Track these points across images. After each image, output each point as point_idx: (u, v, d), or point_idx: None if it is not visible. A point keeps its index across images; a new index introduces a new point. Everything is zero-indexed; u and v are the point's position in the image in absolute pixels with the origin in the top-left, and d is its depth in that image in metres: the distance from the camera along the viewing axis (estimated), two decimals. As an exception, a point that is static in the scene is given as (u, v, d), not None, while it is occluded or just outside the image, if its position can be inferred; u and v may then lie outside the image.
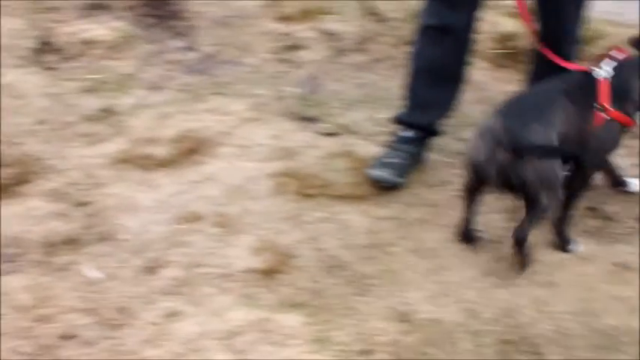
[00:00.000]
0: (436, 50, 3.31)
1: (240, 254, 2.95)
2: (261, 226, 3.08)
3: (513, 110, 3.01)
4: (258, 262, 2.91)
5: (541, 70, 3.40)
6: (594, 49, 4.01)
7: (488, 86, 4.12)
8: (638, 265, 3.05)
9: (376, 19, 4.55)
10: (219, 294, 2.79)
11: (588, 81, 3.06)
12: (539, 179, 2.87)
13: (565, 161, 3.00)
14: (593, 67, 3.09)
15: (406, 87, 3.43)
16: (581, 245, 3.13)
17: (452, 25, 3.26)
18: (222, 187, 3.26)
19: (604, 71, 3.05)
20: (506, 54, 4.40)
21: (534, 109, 2.99)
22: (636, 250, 3.14)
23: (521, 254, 3.00)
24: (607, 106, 3.00)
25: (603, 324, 2.79)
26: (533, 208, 2.93)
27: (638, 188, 3.47)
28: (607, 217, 3.33)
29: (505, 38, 4.45)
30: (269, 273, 2.88)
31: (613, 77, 3.06)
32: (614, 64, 3.10)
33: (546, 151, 2.90)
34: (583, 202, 3.33)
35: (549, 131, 2.93)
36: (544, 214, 2.99)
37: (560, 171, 2.95)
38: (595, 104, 3.01)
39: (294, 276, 2.88)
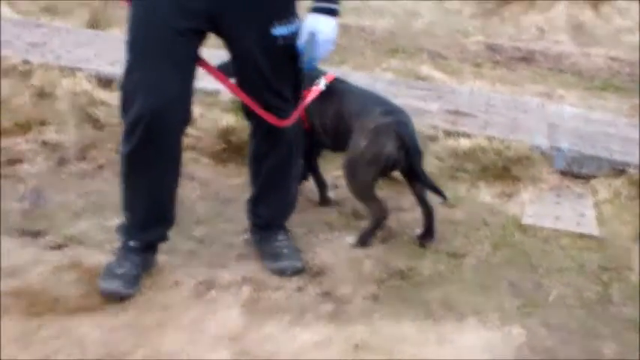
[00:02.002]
0: (144, 174, 3.29)
1: (-32, 387, 2.80)
2: (-11, 352, 2.94)
3: (391, 109, 3.80)
4: (-14, 393, 2.77)
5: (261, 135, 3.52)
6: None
7: (212, 182, 4.17)
8: (375, 344, 3.12)
9: (95, 126, 4.54)
10: None
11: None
12: (422, 154, 3.79)
13: None
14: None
15: (124, 206, 3.40)
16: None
17: (159, 144, 3.22)
18: (-55, 315, 3.09)
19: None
20: (228, 149, 4.48)
21: (395, 106, 3.88)
22: (371, 329, 3.21)
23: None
24: None
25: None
26: (422, 173, 3.79)
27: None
28: (340, 300, 3.39)
29: (226, 133, 4.52)
30: (-1, 402, 2.74)
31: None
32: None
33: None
34: (313, 288, 3.46)
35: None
36: None
37: None
38: None
39: (27, 403, 2.75)
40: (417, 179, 3.83)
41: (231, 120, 4.52)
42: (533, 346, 3.20)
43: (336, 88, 3.80)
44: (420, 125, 4.58)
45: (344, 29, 6.26)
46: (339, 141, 3.85)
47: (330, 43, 3.19)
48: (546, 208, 4.25)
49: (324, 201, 4.19)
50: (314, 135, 3.90)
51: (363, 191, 3.76)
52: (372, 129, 3.67)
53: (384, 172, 3.78)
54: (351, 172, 3.75)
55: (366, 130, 3.67)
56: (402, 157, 3.71)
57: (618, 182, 4.37)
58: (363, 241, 3.77)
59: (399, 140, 3.67)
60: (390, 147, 3.66)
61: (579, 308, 3.48)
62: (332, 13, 3.17)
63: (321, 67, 3.77)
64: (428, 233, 3.87)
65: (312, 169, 4.11)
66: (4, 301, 3.16)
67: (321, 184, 4.19)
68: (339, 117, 3.80)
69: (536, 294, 3.55)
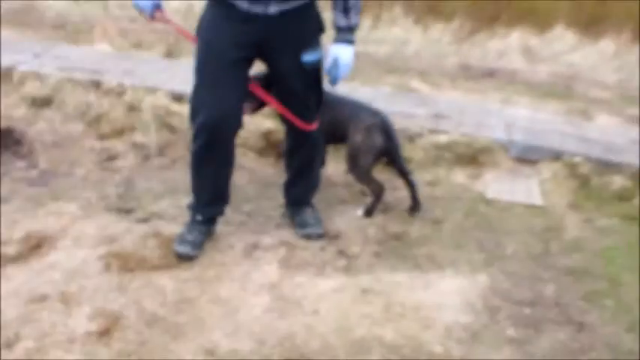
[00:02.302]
0: (208, 167, 3.29)
1: (80, 322, 2.80)
2: (94, 298, 2.95)
3: (374, 112, 3.74)
4: (94, 326, 2.78)
5: (293, 136, 3.52)
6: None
7: (257, 170, 4.13)
8: (378, 289, 3.13)
9: (170, 131, 4.49)
10: (66, 354, 2.64)
11: None
12: (400, 145, 3.83)
13: None
14: None
15: (192, 190, 3.40)
16: None
17: (220, 145, 3.24)
18: (62, 271, 3.10)
19: None
20: (268, 145, 4.42)
21: (376, 109, 3.78)
22: (374, 278, 3.22)
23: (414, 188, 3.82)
24: None
25: (356, 335, 2.84)
26: (401, 159, 3.83)
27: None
28: (351, 256, 3.39)
29: (267, 134, 4.45)
30: (104, 333, 2.75)
31: None
32: None
33: None
34: (331, 248, 3.45)
35: None
36: None
37: None
38: None
39: (123, 333, 2.76)
40: (397, 163, 3.82)
41: (270, 124, 4.45)
42: (494, 289, 3.21)
43: (327, 99, 3.65)
44: (411, 125, 4.54)
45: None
46: (333, 138, 3.77)
47: (349, 66, 3.16)
48: (504, 186, 4.20)
49: None
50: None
51: (364, 175, 3.73)
52: (365, 127, 3.64)
53: (376, 159, 3.74)
54: (353, 161, 3.70)
55: (360, 128, 3.64)
56: (387, 147, 3.70)
57: (557, 166, 4.33)
58: (369, 212, 3.74)
59: (385, 135, 3.67)
60: (379, 140, 3.65)
61: (528, 259, 3.47)
62: (350, 42, 3.14)
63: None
64: (415, 205, 3.83)
65: None
66: (106, 261, 3.20)
67: None
68: (333, 120, 3.70)
69: (497, 250, 3.54)
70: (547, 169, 4.33)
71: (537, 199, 4.06)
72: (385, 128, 3.69)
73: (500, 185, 4.21)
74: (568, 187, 4.18)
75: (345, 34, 3.14)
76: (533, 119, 5.02)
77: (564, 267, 3.42)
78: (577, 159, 4.30)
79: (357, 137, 3.65)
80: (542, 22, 7.26)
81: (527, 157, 4.42)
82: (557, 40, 7.21)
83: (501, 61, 6.84)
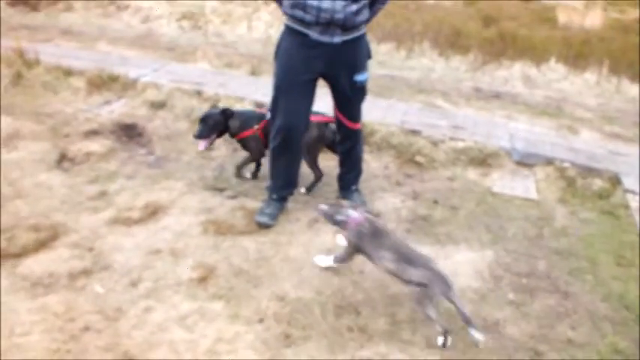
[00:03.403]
0: (282, 159, 3.33)
1: (185, 270, 2.87)
2: (195, 253, 3.01)
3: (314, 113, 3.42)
4: (195, 274, 2.84)
5: (346, 137, 3.49)
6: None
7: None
8: None
9: None
10: (174, 294, 2.71)
11: None
12: (335, 135, 3.57)
13: None
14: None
15: (270, 175, 3.43)
16: None
17: (291, 144, 3.26)
18: (172, 232, 3.17)
19: None
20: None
21: None
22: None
23: None
24: None
25: (392, 291, 2.84)
26: (335, 143, 3.60)
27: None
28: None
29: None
30: (202, 280, 2.81)
31: None
32: None
33: None
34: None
35: None
36: None
37: None
38: None
39: (216, 280, 2.82)
40: (334, 148, 3.69)
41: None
42: (498, 262, 3.17)
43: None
44: (435, 133, 4.49)
45: (392, 78, 6.20)
46: None
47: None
48: (507, 183, 4.12)
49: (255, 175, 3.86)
50: (266, 141, 3.55)
51: (313, 161, 3.66)
52: (316, 125, 3.52)
53: (322, 146, 3.69)
54: (308, 150, 3.57)
55: (312, 126, 3.48)
56: (326, 137, 3.61)
57: (549, 169, 4.24)
58: (309, 190, 3.69)
59: (322, 130, 3.57)
60: (319, 132, 3.56)
61: (525, 241, 3.42)
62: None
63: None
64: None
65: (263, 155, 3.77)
66: (204, 226, 3.25)
67: (259, 165, 3.85)
68: None
69: (500, 232, 3.48)
70: (541, 172, 4.23)
71: (533, 195, 3.98)
72: (320, 127, 3.58)
73: (504, 182, 4.13)
74: (558, 186, 4.08)
75: None
76: (531, 132, 4.93)
77: (554, 248, 3.36)
78: (565, 164, 4.22)
79: (313, 132, 3.54)
80: (538, 57, 7.12)
81: (526, 162, 4.34)
82: (550, 70, 7.06)
83: (506, 86, 6.72)
